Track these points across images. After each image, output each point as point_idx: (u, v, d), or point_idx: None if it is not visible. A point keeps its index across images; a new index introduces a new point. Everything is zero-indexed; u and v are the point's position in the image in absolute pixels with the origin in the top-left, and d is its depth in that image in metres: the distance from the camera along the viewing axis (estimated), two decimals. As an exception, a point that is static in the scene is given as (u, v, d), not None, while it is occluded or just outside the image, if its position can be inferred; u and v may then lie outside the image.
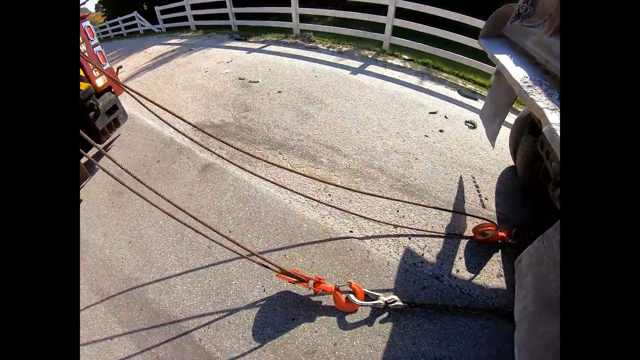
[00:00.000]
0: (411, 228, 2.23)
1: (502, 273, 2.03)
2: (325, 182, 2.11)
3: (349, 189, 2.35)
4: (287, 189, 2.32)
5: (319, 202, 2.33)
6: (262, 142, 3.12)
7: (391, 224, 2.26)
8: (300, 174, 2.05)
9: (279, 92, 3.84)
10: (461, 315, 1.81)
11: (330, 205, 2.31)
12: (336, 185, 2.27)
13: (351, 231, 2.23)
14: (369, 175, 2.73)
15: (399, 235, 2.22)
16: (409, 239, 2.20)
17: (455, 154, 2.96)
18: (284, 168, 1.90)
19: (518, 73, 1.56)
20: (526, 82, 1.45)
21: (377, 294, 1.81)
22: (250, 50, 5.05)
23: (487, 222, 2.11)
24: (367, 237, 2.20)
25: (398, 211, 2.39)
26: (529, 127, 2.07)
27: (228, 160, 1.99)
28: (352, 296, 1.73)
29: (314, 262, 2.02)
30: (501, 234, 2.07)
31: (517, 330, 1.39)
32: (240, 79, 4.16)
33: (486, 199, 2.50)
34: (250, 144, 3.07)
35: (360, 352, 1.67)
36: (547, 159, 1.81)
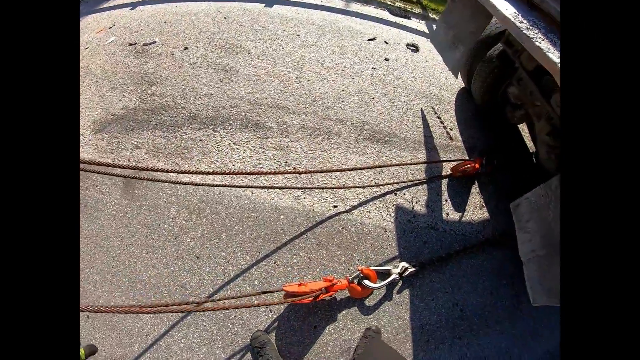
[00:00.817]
0: (394, 183, 2.11)
1: (483, 203, 2.12)
2: (296, 173, 1.76)
3: (325, 172, 2.05)
4: (240, 186, 1.92)
5: (287, 188, 2.00)
6: (186, 121, 2.45)
7: (373, 185, 2.10)
8: (256, 174, 1.66)
9: (185, 48, 2.93)
10: (462, 257, 1.89)
11: (301, 188, 2.01)
12: (308, 172, 1.94)
13: (335, 206, 2.02)
14: (330, 130, 2.41)
15: (384, 194, 2.09)
16: (395, 194, 2.09)
17: (408, 84, 2.78)
18: (223, 173, 1.43)
19: (507, 9, 1.32)
20: (523, 23, 1.23)
21: (388, 267, 1.74)
22: (133, 5, 3.61)
23: (465, 160, 2.09)
24: (354, 207, 2.02)
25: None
26: (500, 58, 1.94)
27: (142, 179, 1.44)
28: (367, 282, 1.62)
29: (311, 258, 1.81)
30: (476, 165, 2.09)
31: (527, 268, 1.48)
32: (131, 44, 3.02)
33: (451, 129, 2.46)
34: (173, 129, 2.39)
35: (391, 328, 1.66)
36: (530, 97, 1.73)
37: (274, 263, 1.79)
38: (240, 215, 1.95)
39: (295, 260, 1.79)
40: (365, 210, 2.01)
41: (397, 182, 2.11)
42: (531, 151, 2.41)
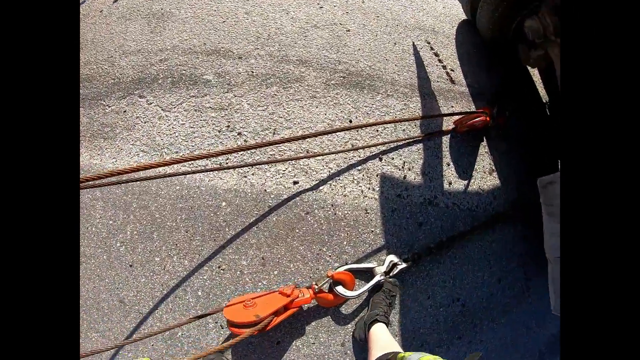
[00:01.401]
0: (378, 144, 1.58)
1: (494, 167, 1.64)
2: (236, 151, 1.23)
3: (281, 142, 1.48)
4: (162, 176, 1.37)
5: (227, 168, 1.47)
6: (109, 91, 1.79)
7: (349, 149, 1.56)
8: (174, 163, 1.11)
9: (115, 1, 2.15)
10: (467, 239, 1.46)
11: (245, 165, 1.47)
12: (252, 148, 1.38)
13: (295, 181, 1.49)
14: (288, 75, 1.78)
15: (364, 160, 1.57)
16: (380, 160, 1.58)
17: (395, 13, 2.10)
18: (146, 167, 0.88)
19: None
20: None
21: (369, 265, 1.30)
22: None
23: (475, 113, 1.55)
24: (323, 182, 1.51)
25: (351, 121, 1.66)
26: None
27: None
28: (340, 289, 1.19)
29: (265, 258, 1.35)
30: (487, 118, 1.57)
31: (552, 268, 1.10)
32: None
33: (452, 70, 1.88)
34: (96, 103, 1.76)
35: (373, 341, 1.28)
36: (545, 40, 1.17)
37: (219, 267, 1.33)
38: (172, 206, 1.44)
39: (244, 263, 1.33)
40: (338, 186, 1.51)
41: (383, 143, 1.58)
42: (544, 101, 1.89)
